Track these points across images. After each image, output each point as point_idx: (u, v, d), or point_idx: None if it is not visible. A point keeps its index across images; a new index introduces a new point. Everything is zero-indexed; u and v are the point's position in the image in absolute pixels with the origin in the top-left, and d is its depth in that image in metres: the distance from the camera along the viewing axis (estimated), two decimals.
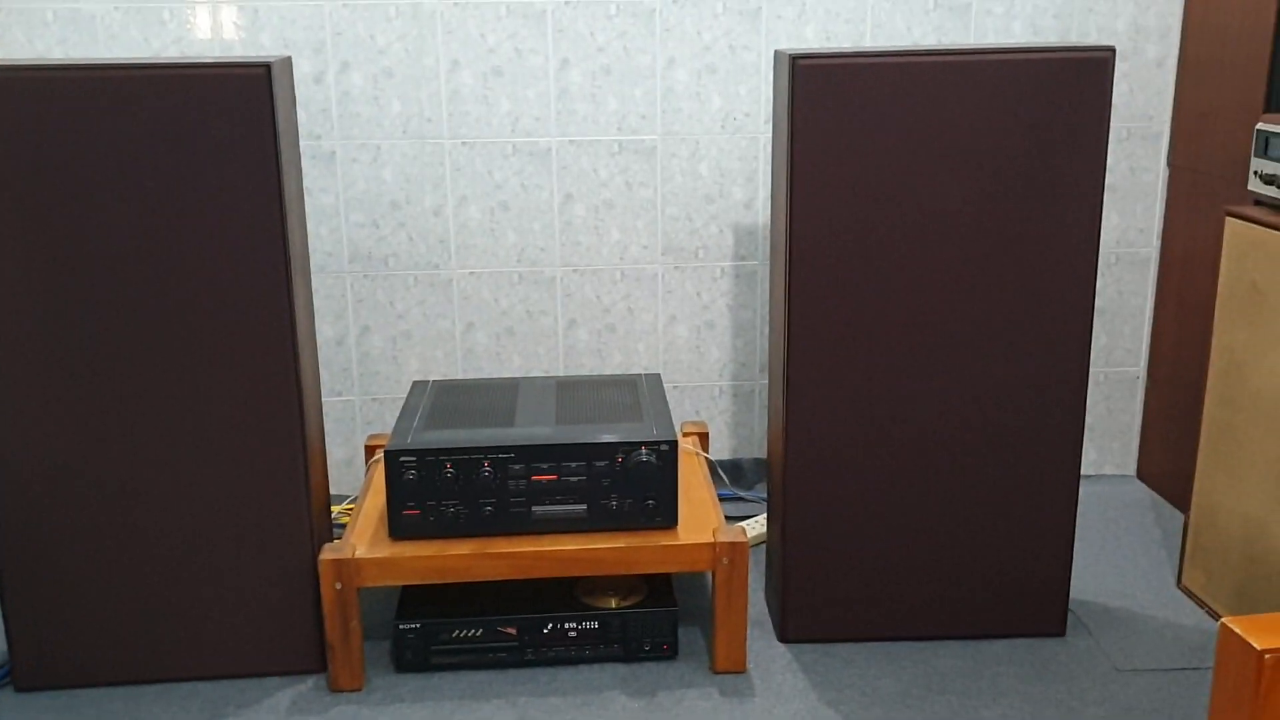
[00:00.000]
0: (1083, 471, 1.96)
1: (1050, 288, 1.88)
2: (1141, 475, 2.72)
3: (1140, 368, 2.68)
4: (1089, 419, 2.69)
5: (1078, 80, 1.79)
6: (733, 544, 1.89)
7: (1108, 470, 2.74)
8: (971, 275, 1.88)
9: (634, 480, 1.91)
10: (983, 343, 1.90)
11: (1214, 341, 2.05)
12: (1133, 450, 2.73)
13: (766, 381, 2.64)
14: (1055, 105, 1.80)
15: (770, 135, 2.48)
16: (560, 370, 2.59)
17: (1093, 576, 2.27)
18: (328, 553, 1.86)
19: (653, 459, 1.91)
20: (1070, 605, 2.13)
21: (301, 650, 1.95)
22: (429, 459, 1.88)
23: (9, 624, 1.89)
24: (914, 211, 1.85)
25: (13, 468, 1.82)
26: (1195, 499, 2.13)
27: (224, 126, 1.71)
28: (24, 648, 1.90)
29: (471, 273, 2.52)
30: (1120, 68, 2.48)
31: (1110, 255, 2.60)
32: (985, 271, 1.87)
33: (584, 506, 1.93)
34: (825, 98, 1.79)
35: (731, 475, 2.65)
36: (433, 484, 1.89)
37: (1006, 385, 1.92)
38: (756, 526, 2.40)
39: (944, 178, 1.83)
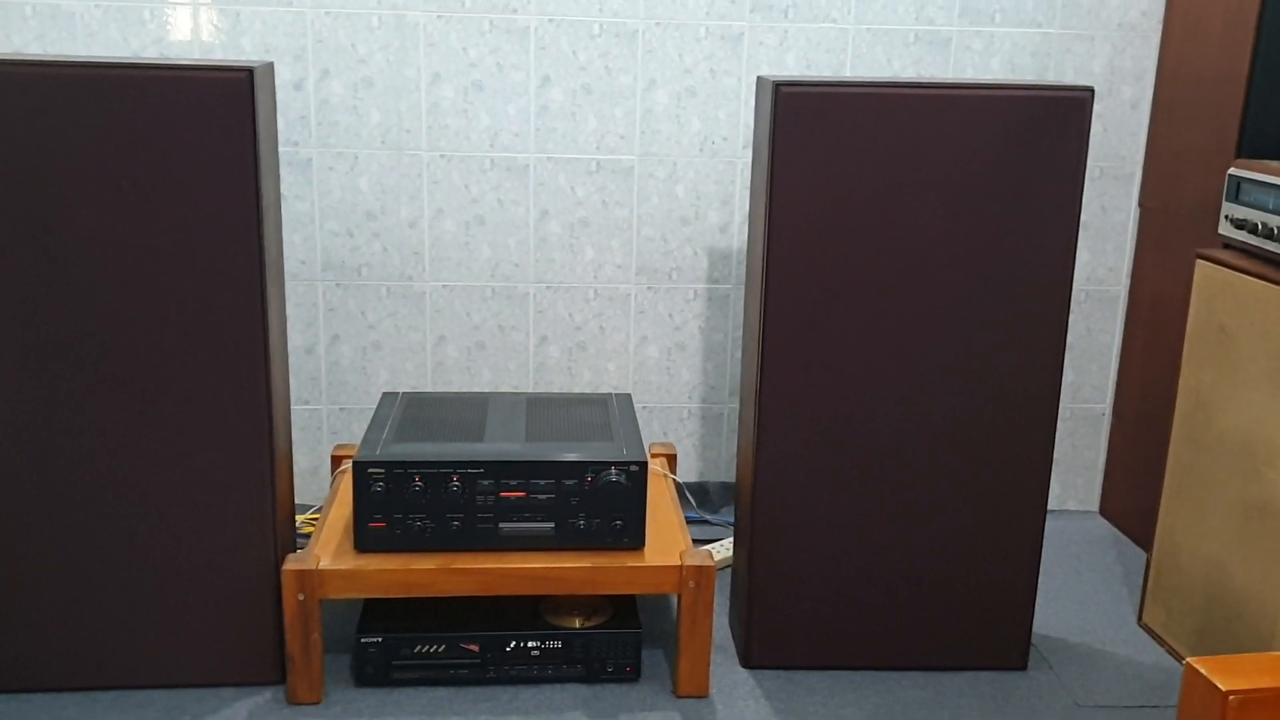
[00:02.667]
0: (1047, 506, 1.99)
1: (1023, 322, 1.90)
2: (1104, 512, 2.74)
3: (1106, 405, 2.70)
4: (1054, 454, 2.71)
5: (1057, 119, 1.81)
6: (699, 567, 1.89)
7: (1071, 506, 2.76)
8: (945, 306, 1.89)
9: (603, 500, 1.91)
10: (954, 374, 1.92)
11: (1181, 382, 2.07)
12: (1096, 486, 2.75)
13: (736, 405, 2.64)
14: (1034, 142, 1.82)
15: (747, 160, 2.49)
16: (530, 387, 2.58)
17: (1055, 611, 2.28)
18: (291, 563, 1.84)
19: (622, 479, 1.90)
20: (1032, 639, 2.14)
21: (260, 661, 1.92)
22: (397, 471, 1.87)
23: None
24: (890, 241, 1.86)
25: None
26: (1158, 538, 2.15)
27: (204, 130, 1.70)
28: None
29: (445, 285, 2.51)
30: (1095, 108, 2.52)
31: (1080, 292, 2.63)
32: (959, 303, 1.89)
33: (552, 525, 1.92)
34: (807, 125, 1.80)
35: (698, 498, 2.65)
36: (400, 497, 1.88)
37: (976, 417, 1.94)
38: (723, 550, 2.39)
39: (921, 209, 1.85)
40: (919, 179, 1.83)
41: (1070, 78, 2.50)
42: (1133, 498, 2.62)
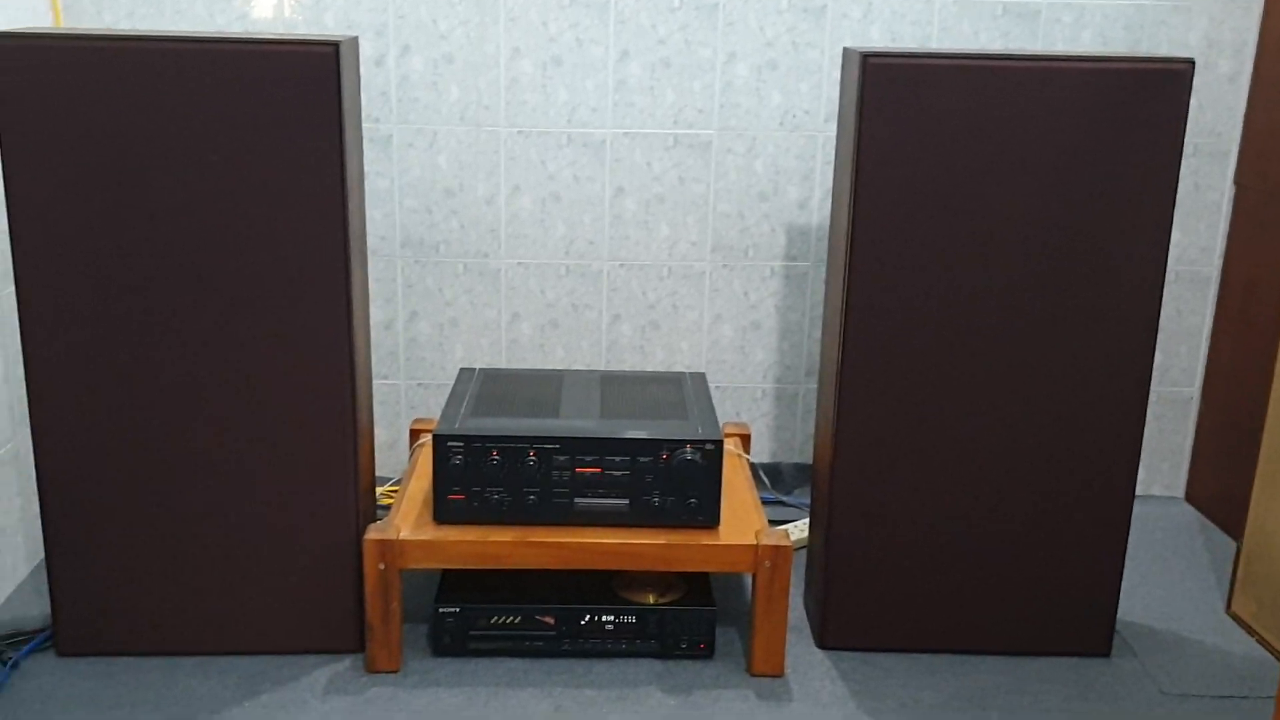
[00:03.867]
0: None
1: (1114, 304, 1.85)
2: (1190, 498, 2.67)
3: (1195, 388, 2.63)
4: None
5: (1154, 93, 1.76)
6: (776, 547, 1.87)
7: (1156, 491, 2.69)
8: (1033, 286, 1.85)
9: (677, 478, 1.90)
10: (1041, 355, 1.87)
11: (1277, 366, 2.00)
12: (1182, 472, 2.68)
13: (811, 385, 2.61)
14: (1129, 117, 1.77)
15: (829, 134, 2.46)
16: (603, 365, 2.58)
17: (1139, 598, 2.23)
18: (373, 533, 1.86)
19: (697, 457, 1.89)
20: (1116, 626, 2.10)
21: (341, 629, 1.95)
22: (476, 445, 1.88)
23: (53, 589, 1.90)
24: (978, 219, 1.82)
25: (63, 435, 1.83)
26: (1249, 526, 2.09)
27: (291, 104, 1.71)
28: (67, 613, 1.91)
29: (520, 263, 2.51)
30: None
31: (1170, 273, 2.55)
32: (1048, 284, 1.84)
33: (626, 501, 1.91)
34: (894, 98, 1.76)
35: (772, 479, 2.63)
36: (478, 470, 1.88)
37: (1063, 400, 1.89)
38: (798, 531, 2.37)
39: (1011, 186, 1.80)
40: (1009, 154, 1.79)
41: (1165, 50, 2.43)
42: (1220, 484, 2.55)
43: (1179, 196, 2.51)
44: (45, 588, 2.11)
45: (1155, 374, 2.62)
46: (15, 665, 1.91)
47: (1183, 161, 2.49)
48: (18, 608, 2.09)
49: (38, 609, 2.08)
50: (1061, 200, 1.81)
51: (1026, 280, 1.84)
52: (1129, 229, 1.82)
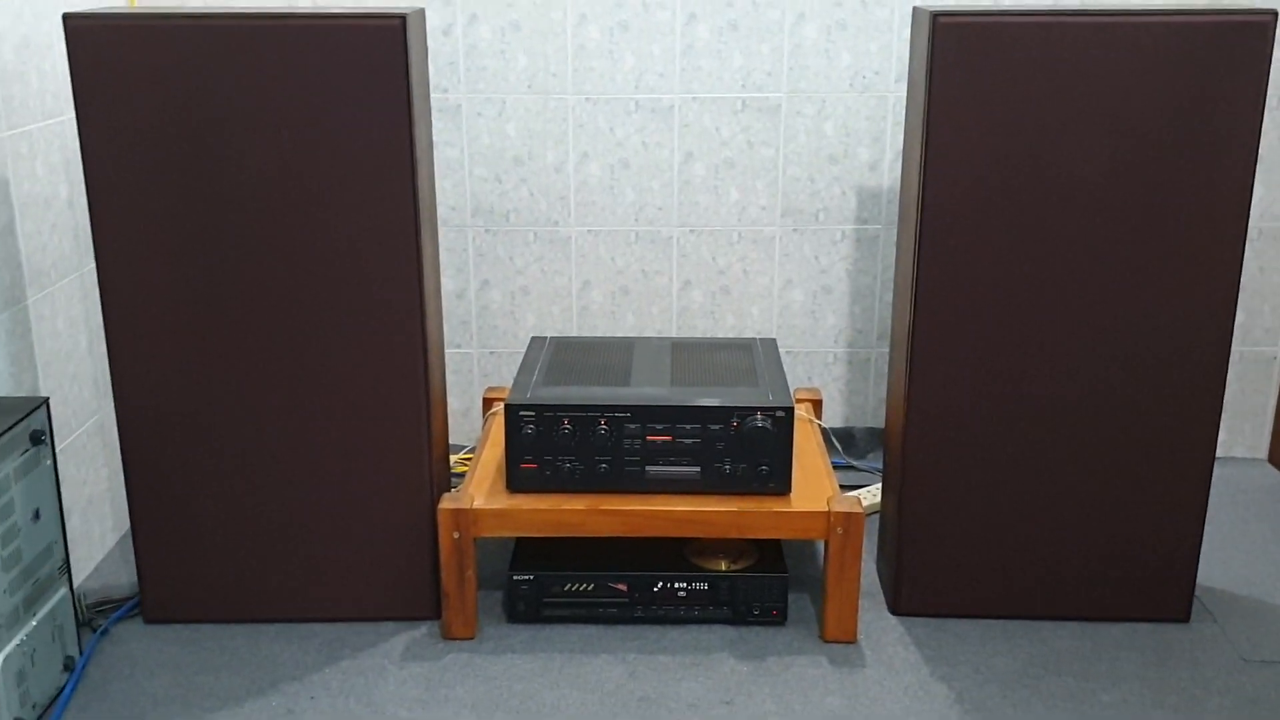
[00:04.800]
0: None
1: (1193, 262, 1.80)
2: (1274, 459, 2.61)
3: (1278, 348, 2.56)
4: None
5: (1234, 45, 1.70)
6: (848, 514, 1.87)
7: (1237, 453, 2.64)
8: (1110, 247, 1.81)
9: (748, 445, 1.90)
10: (1119, 316, 1.84)
11: None
12: (1265, 433, 2.62)
13: (883, 350, 2.59)
14: (1208, 71, 1.72)
15: (900, 95, 2.42)
16: (673, 331, 2.58)
17: (1219, 562, 2.19)
18: (447, 502, 1.89)
19: (768, 424, 1.89)
20: (1195, 591, 2.06)
21: (417, 597, 1.98)
22: (548, 414, 1.89)
23: (139, 558, 1.95)
24: (1053, 179, 1.78)
25: (145, 408, 1.88)
26: None
27: (359, 77, 1.73)
28: (153, 581, 1.97)
29: (589, 230, 2.51)
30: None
31: (1253, 229, 2.48)
32: (1125, 243, 1.80)
33: (697, 469, 1.92)
34: (965, 57, 1.73)
35: (844, 444, 2.61)
36: (550, 439, 1.90)
37: (1142, 361, 1.85)
38: (870, 496, 2.36)
39: (1086, 144, 1.76)
40: (1085, 113, 1.75)
41: (1246, 2, 2.34)
42: None
43: (1262, 151, 2.44)
44: (132, 557, 2.17)
45: (1237, 333, 2.55)
46: (105, 632, 1.97)
47: (1266, 115, 2.41)
48: (107, 576, 2.16)
49: (126, 577, 2.15)
50: (1139, 158, 1.76)
51: (1103, 240, 1.80)
52: (1208, 186, 1.77)
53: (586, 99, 2.43)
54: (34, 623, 1.73)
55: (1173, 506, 1.92)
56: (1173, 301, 1.83)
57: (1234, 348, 2.56)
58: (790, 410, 1.89)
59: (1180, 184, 1.77)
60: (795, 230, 2.51)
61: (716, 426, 1.89)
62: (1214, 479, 2.51)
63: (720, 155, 2.47)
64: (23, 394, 1.93)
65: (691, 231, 2.52)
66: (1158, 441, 1.89)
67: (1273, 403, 2.60)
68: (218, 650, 1.92)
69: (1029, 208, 1.79)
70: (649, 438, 1.90)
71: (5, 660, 1.65)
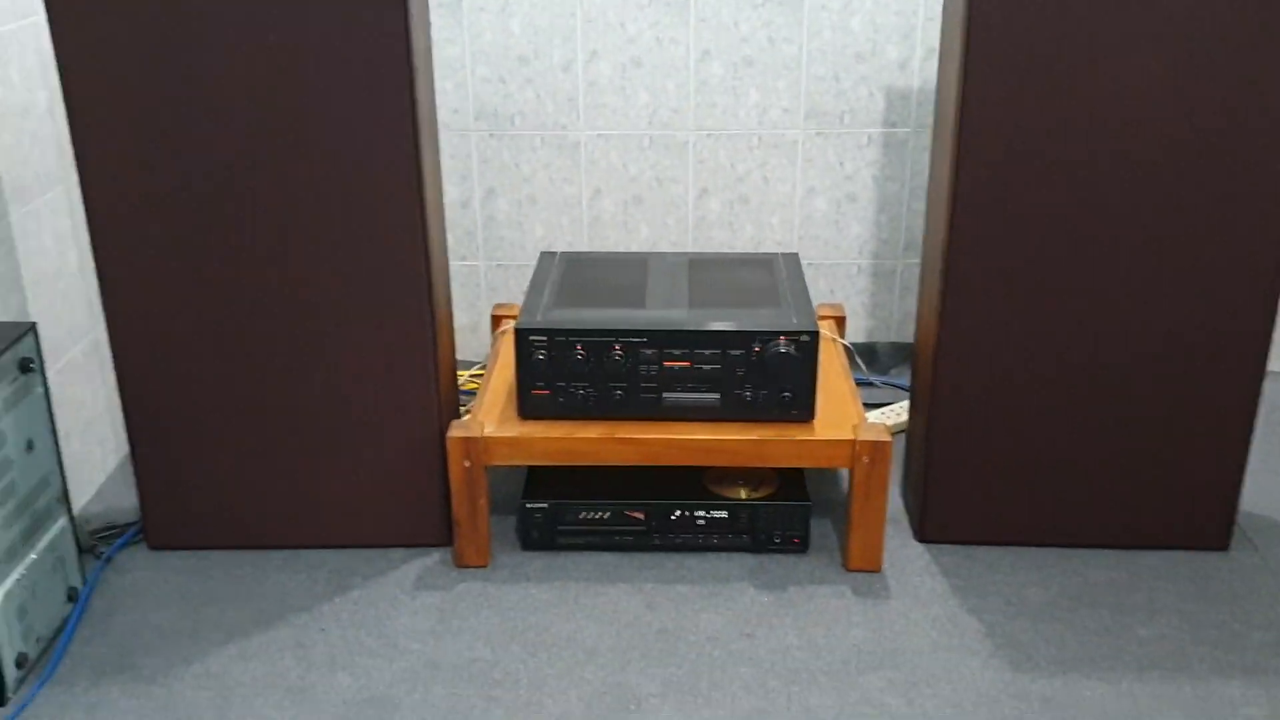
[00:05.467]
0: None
1: (1248, 182, 1.68)
2: None
3: None
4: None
5: None
6: (875, 443, 1.78)
7: None
8: (1162, 164, 1.68)
9: (771, 371, 1.81)
10: (1166, 232, 1.72)
11: None
12: None
13: (911, 261, 2.48)
14: None
15: None
16: (689, 243, 2.47)
17: (1262, 486, 2.11)
18: (456, 430, 1.81)
19: (792, 350, 1.79)
20: (1237, 518, 1.98)
21: (428, 523, 1.92)
22: (559, 339, 1.80)
23: (141, 483, 1.89)
24: (1105, 86, 1.65)
25: (144, 331, 1.79)
26: None
27: None
28: (155, 507, 1.91)
29: (600, 135, 2.39)
30: None
31: None
32: (1178, 161, 1.68)
33: (717, 396, 1.83)
34: None
35: (866, 360, 2.52)
36: (563, 365, 1.81)
37: (1188, 275, 1.74)
38: (894, 416, 2.28)
39: (1145, 50, 1.62)
40: (1141, 16, 1.60)
41: None
42: None
43: None
44: (134, 479, 2.12)
45: None
46: (108, 560, 1.92)
47: None
48: (110, 499, 2.10)
49: (129, 501, 2.09)
50: (1200, 68, 1.63)
51: (1155, 155, 1.68)
52: (1271, 107, 1.63)
53: None
54: (33, 556, 1.68)
55: (1215, 427, 1.83)
56: (1224, 218, 1.71)
57: None
58: (815, 335, 1.79)
59: (1241, 102, 1.64)
60: (819, 134, 2.38)
61: (737, 352, 1.80)
62: (1262, 396, 2.41)
63: (739, 53, 2.32)
64: (10, 318, 1.84)
65: (708, 135, 2.38)
66: (1203, 356, 1.79)
67: None
68: (224, 579, 1.87)
69: (1076, 116, 1.66)
70: (666, 364, 1.81)
71: (5, 595, 1.60)
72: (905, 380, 2.44)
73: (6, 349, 1.61)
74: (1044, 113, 1.67)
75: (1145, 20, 1.61)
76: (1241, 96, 1.64)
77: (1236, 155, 1.67)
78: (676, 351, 1.80)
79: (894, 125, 2.37)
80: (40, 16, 1.94)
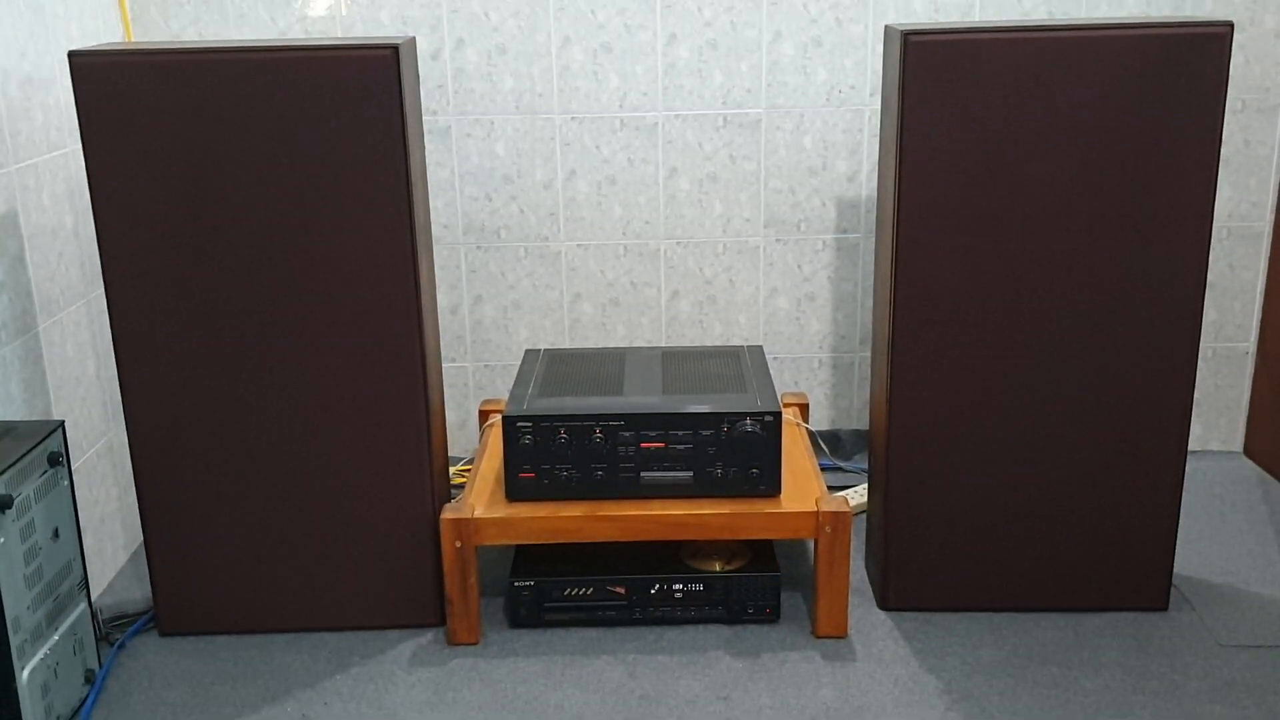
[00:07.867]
0: (1188, 447, 1.96)
1: (1161, 264, 1.88)
2: (1249, 452, 2.69)
3: (1250, 343, 2.64)
4: (1195, 394, 2.67)
5: (1194, 55, 1.78)
6: (836, 513, 1.94)
7: (1213, 446, 2.72)
8: (1081, 250, 1.88)
9: (739, 449, 1.97)
10: (1091, 317, 1.91)
11: None
12: (1240, 427, 2.70)
13: (866, 354, 2.67)
14: (1170, 81, 1.80)
15: (876, 107, 2.50)
16: (663, 340, 2.65)
17: (1196, 552, 2.27)
18: (449, 512, 1.95)
19: (757, 429, 1.96)
20: (1173, 580, 2.14)
21: (422, 605, 2.05)
22: (544, 425, 1.96)
23: (153, 573, 2.01)
24: (1024, 187, 1.86)
25: (154, 426, 1.94)
26: None
27: (355, 106, 1.79)
28: (166, 595, 2.03)
29: (579, 245, 2.59)
30: (1237, 38, 2.44)
31: (1222, 229, 2.57)
32: (1095, 247, 1.88)
33: (690, 474, 1.99)
34: (936, 74, 1.81)
35: (831, 446, 2.69)
36: (547, 449, 1.97)
37: (1114, 359, 1.93)
38: (857, 496, 2.44)
39: (1055, 153, 1.84)
40: (1051, 123, 1.83)
41: (1209, 9, 2.43)
42: (1278, 438, 2.56)
43: (1229, 153, 2.52)
44: (145, 573, 2.24)
45: (1211, 330, 2.63)
46: (121, 646, 2.03)
47: (1231, 117, 2.50)
48: (120, 592, 2.22)
49: (139, 593, 2.21)
50: (1105, 164, 1.84)
51: (1072, 243, 1.88)
52: (1173, 189, 1.85)
53: (572, 118, 2.51)
54: (56, 637, 1.79)
55: (1149, 498, 2.00)
56: (1143, 303, 1.90)
57: (1208, 344, 2.64)
58: (778, 415, 1.96)
59: (1144, 188, 1.85)
60: (778, 240, 2.59)
61: (708, 432, 1.97)
62: (1191, 472, 2.58)
63: (704, 170, 2.54)
64: (37, 418, 1.99)
65: (678, 243, 2.59)
66: (1132, 437, 1.97)
67: (1246, 397, 2.68)
68: (232, 660, 1.98)
69: (1000, 214, 1.87)
70: (643, 444, 1.97)
71: (30, 673, 1.71)
72: (866, 465, 2.61)
73: (38, 444, 1.76)
74: (970, 213, 1.87)
75: (1055, 124, 1.82)
76: (1145, 184, 1.85)
77: (1146, 241, 1.87)
78: (652, 433, 1.97)
79: (845, 231, 2.58)
80: (69, 149, 2.14)
